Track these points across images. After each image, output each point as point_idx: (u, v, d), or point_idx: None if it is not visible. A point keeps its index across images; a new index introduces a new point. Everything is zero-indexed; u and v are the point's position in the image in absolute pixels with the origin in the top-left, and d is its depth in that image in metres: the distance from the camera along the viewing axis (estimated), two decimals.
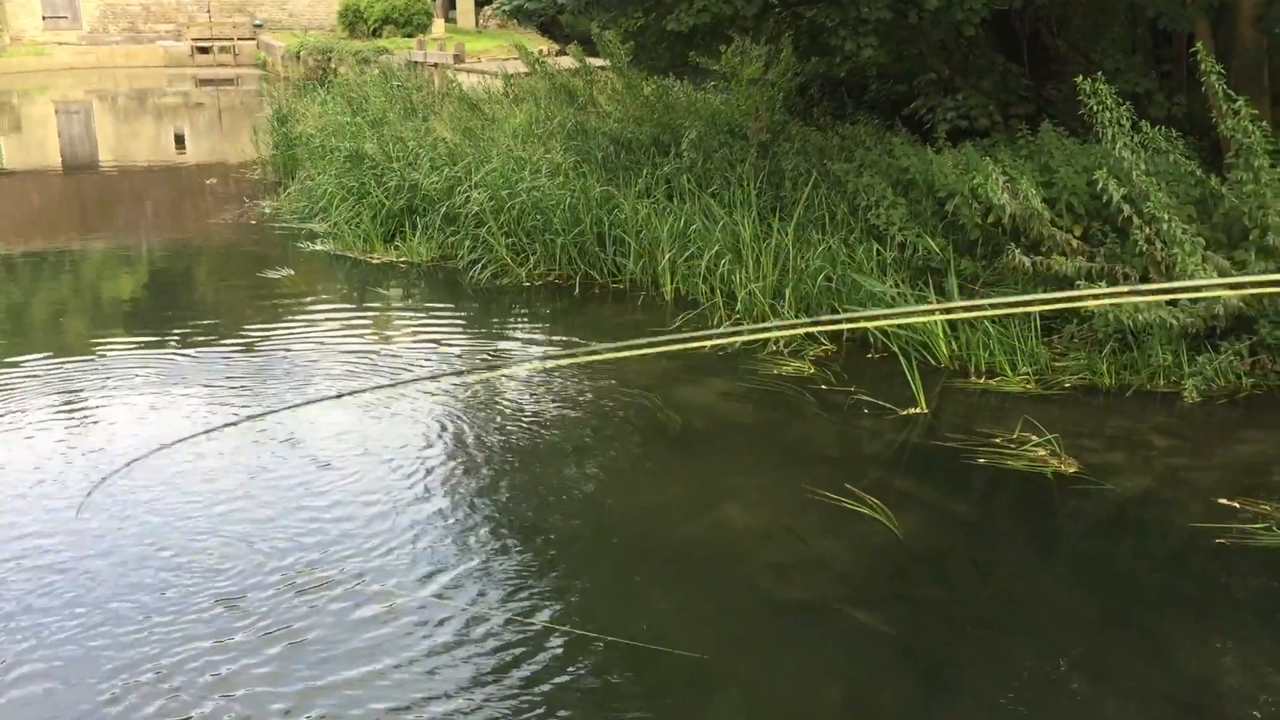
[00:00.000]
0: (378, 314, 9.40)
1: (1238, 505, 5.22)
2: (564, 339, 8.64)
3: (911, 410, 6.60)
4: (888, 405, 6.65)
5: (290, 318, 9.13)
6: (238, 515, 5.37)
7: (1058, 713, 3.83)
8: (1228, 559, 4.80)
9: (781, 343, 7.83)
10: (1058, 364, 7.09)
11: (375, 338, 8.66)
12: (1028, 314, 7.24)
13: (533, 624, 4.45)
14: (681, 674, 4.14)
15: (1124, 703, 3.88)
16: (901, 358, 7.02)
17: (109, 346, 8.30)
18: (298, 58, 31.16)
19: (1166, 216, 6.65)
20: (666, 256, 9.24)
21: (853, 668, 4.16)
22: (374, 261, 10.72)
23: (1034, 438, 5.96)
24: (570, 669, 4.16)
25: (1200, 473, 5.69)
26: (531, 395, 7.23)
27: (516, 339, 8.79)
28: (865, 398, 6.78)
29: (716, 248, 8.90)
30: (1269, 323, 6.56)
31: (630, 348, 4.66)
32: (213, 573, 4.83)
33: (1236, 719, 3.75)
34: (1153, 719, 3.80)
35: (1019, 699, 3.91)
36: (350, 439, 6.34)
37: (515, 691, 4.03)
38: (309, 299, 9.73)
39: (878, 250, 8.22)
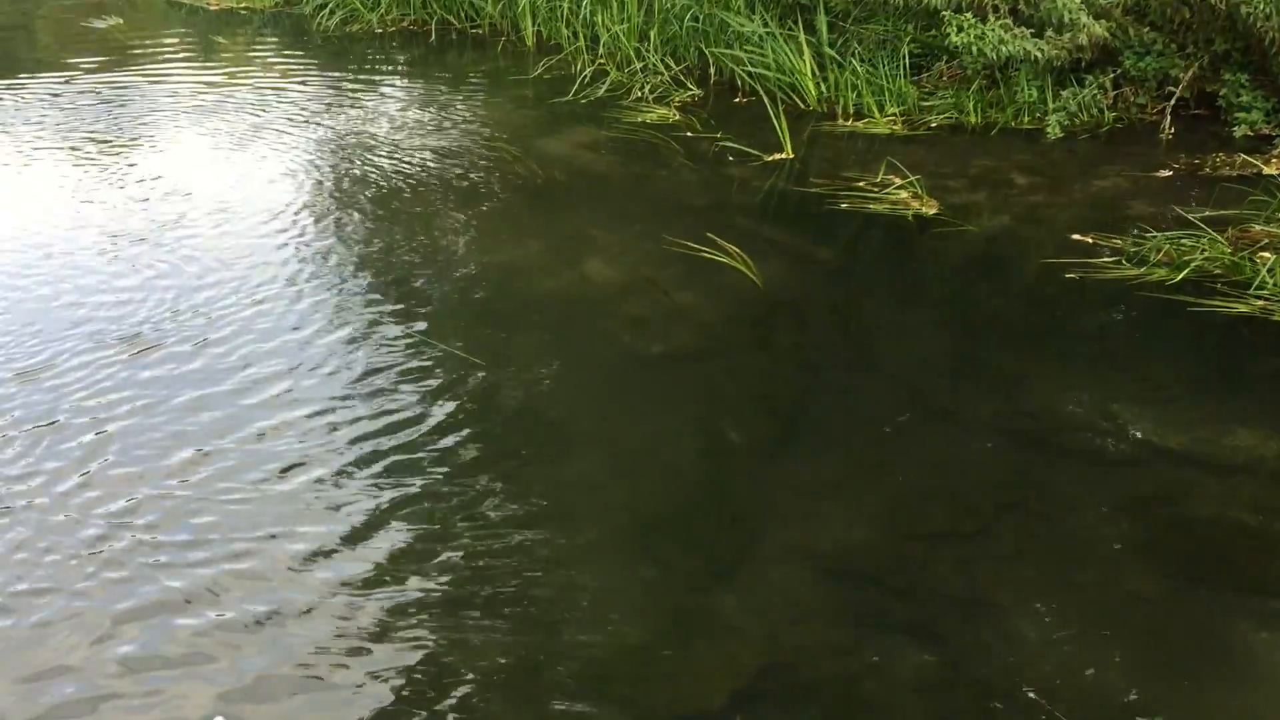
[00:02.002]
0: (221, 61, 8.76)
1: (1091, 240, 5.27)
2: (424, 89, 8.20)
3: (777, 156, 6.46)
4: (753, 152, 6.49)
5: (123, 67, 8.46)
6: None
7: (911, 451, 3.90)
8: (1079, 293, 4.87)
9: (647, 89, 7.55)
10: (925, 104, 6.98)
11: (220, 85, 8.11)
12: (896, 52, 7.06)
13: (390, 393, 4.34)
14: (542, 430, 4.10)
15: (975, 438, 3.97)
16: (768, 102, 6.82)
17: None
18: None
19: None
20: None
21: (711, 417, 4.16)
22: (211, 8, 9.93)
23: (898, 180, 5.90)
24: (422, 426, 4.08)
25: (1058, 209, 5.72)
26: (389, 150, 6.88)
27: (373, 89, 8.31)
28: (731, 144, 6.61)
29: None
30: (1133, 54, 6.49)
31: None
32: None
33: (1081, 449, 3.87)
34: (1003, 453, 3.90)
35: (874, 439, 3.96)
36: (205, 195, 6.02)
37: (361, 443, 3.95)
38: (142, 48, 9.00)
39: None
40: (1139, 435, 3.90)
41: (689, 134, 6.84)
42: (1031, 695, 2.89)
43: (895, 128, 6.76)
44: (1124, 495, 3.62)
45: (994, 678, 2.96)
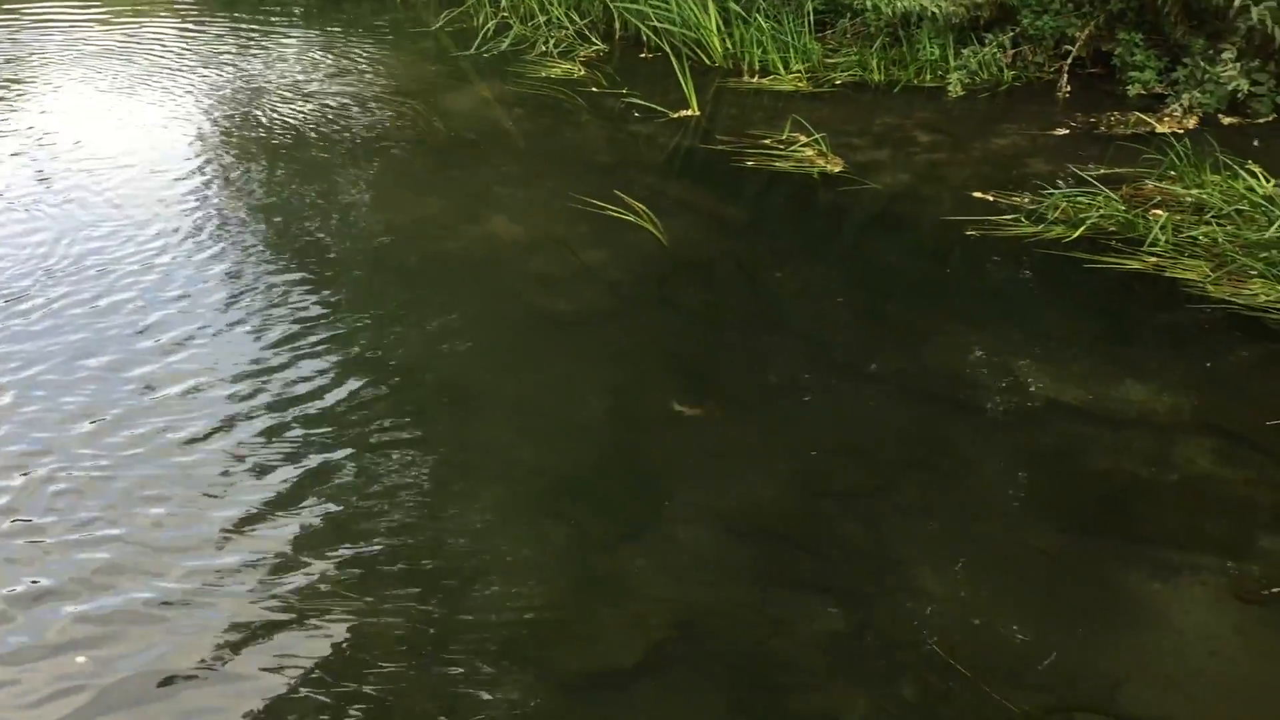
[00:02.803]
0: (112, 3, 8.41)
1: (991, 198, 5.35)
2: (322, 38, 7.97)
3: (683, 113, 6.43)
4: (660, 108, 6.44)
5: (6, 11, 8.07)
6: None
7: (818, 408, 3.93)
8: (979, 250, 4.95)
9: (551, 43, 7.43)
10: (830, 61, 7.00)
11: (111, 28, 7.78)
12: (801, 9, 7.06)
13: (289, 355, 4.23)
14: (447, 392, 4.04)
15: (880, 395, 4.02)
16: (674, 58, 6.76)
17: None
18: None
19: None
20: None
21: (618, 377, 4.14)
22: None
23: (803, 138, 5.91)
24: (323, 390, 3.99)
25: (959, 167, 5.80)
26: (287, 101, 6.68)
27: (271, 37, 8.04)
28: (637, 101, 6.55)
29: None
30: (1030, 13, 6.58)
31: None
32: None
33: (982, 404, 3.93)
34: (907, 410, 3.95)
35: (782, 397, 3.99)
36: (96, 144, 5.80)
37: (260, 408, 3.85)
38: None
39: None
40: (1037, 390, 3.98)
41: (594, 90, 6.77)
42: (936, 649, 2.94)
43: (800, 85, 6.77)
44: (1023, 449, 3.70)
45: (899, 632, 3.01)
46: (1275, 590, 3.05)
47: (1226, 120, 6.10)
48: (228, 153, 6.00)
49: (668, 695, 2.86)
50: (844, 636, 3.01)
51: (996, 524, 3.39)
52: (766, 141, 5.97)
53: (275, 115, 6.51)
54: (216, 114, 6.54)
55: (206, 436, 3.77)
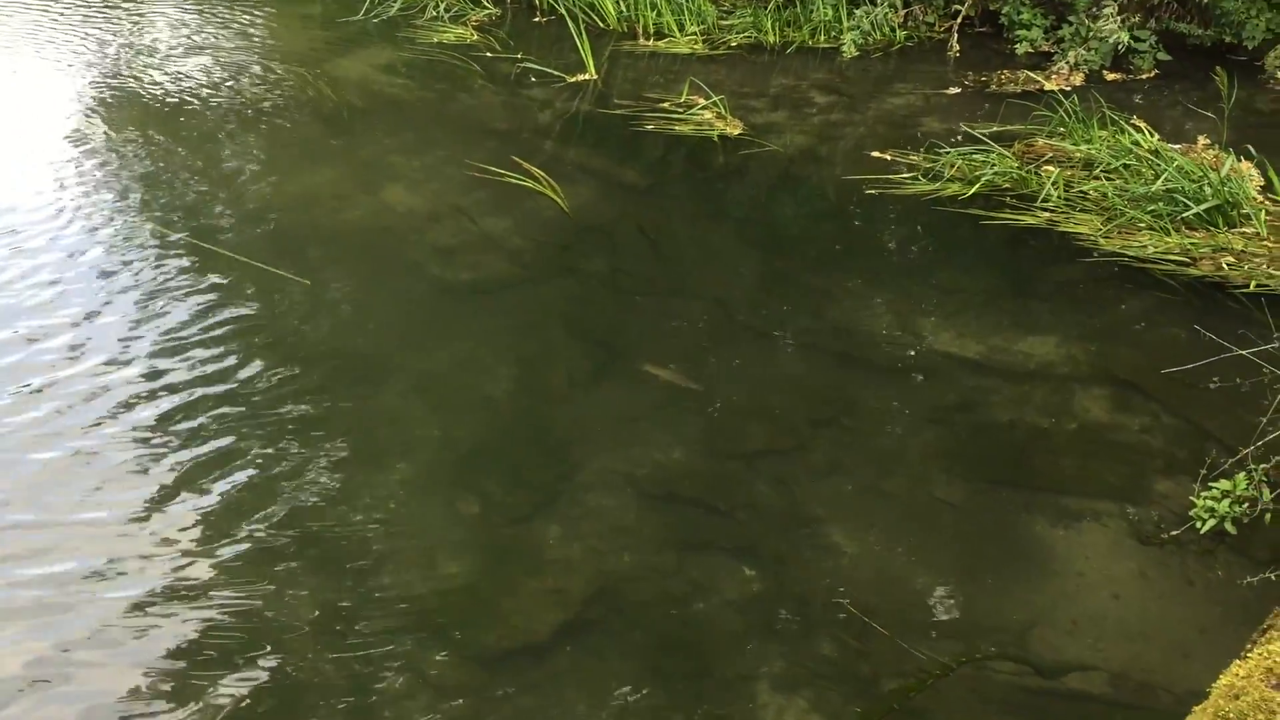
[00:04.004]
0: None
1: (889, 157, 5.40)
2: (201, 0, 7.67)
3: (580, 77, 6.35)
4: (556, 73, 6.36)
5: None
6: None
7: (726, 371, 3.93)
8: (878, 209, 4.99)
9: (442, 7, 7.28)
10: (725, 23, 6.97)
11: None
12: None
13: (182, 333, 4.08)
14: (349, 367, 3.94)
15: (787, 356, 4.04)
16: (569, 20, 6.67)
17: None
18: None
19: None
20: None
21: (523, 346, 4.09)
22: None
23: (701, 100, 5.88)
24: (220, 368, 3.87)
25: (855, 127, 5.84)
26: (166, 65, 6.42)
27: (138, 6, 7.71)
28: (533, 65, 6.45)
29: None
30: None
31: None
32: None
33: (887, 362, 3.98)
34: (814, 370, 3.98)
35: (689, 361, 3.97)
36: None
37: (155, 389, 3.72)
38: None
39: None
40: (939, 346, 4.04)
41: (488, 54, 6.65)
42: (849, 605, 2.98)
43: (696, 47, 6.73)
44: (928, 405, 3.76)
45: (813, 591, 3.04)
46: (1173, 533, 3.15)
47: (1111, 76, 6.24)
48: (104, 123, 5.75)
49: (587, 664, 2.85)
50: (761, 597, 3.03)
51: (905, 479, 3.43)
52: (665, 104, 5.93)
53: (153, 82, 6.25)
54: (89, 80, 6.26)
55: (102, 421, 3.62)
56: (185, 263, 4.52)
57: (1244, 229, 4.51)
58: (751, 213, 5.14)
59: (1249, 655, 1.82)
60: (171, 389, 3.78)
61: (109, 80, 6.29)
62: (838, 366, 3.98)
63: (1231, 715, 1.56)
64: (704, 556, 3.16)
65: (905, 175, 5.19)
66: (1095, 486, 3.38)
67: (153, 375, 3.85)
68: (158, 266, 4.48)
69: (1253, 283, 4.21)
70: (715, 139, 5.61)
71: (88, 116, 5.81)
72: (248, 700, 2.72)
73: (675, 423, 3.68)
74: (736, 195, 5.27)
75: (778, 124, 5.85)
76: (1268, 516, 3.01)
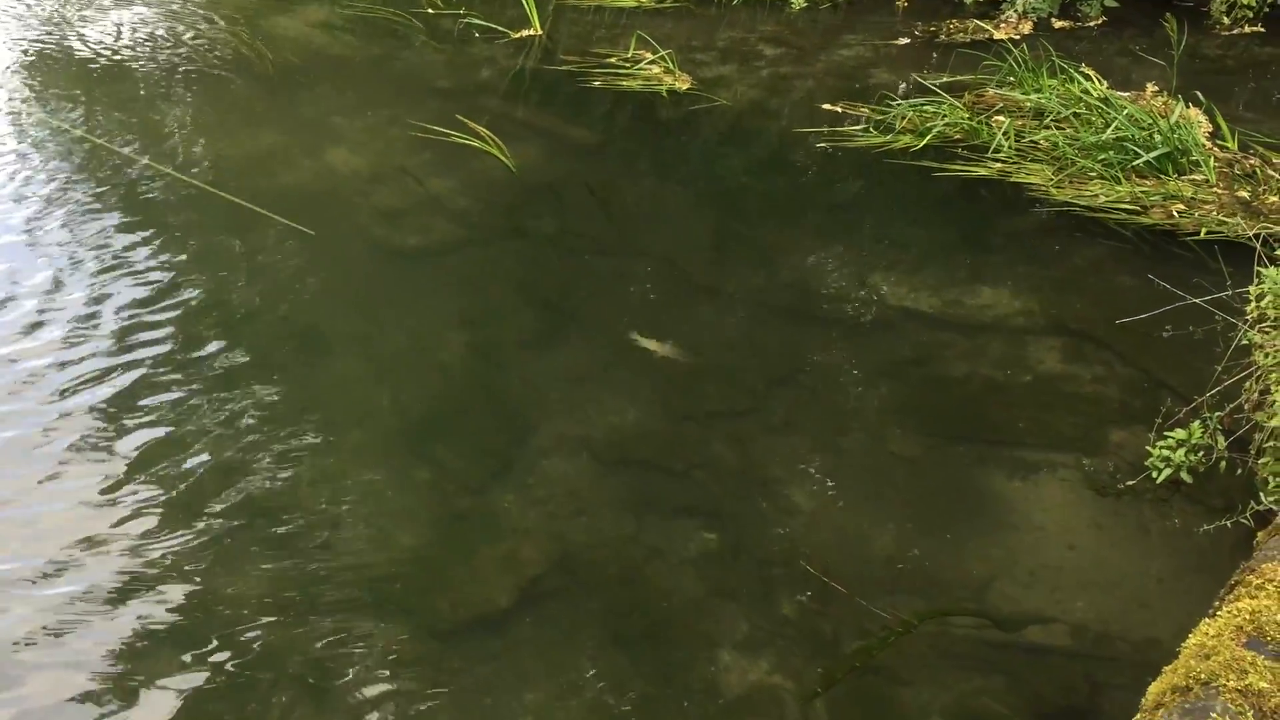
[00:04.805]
0: None
1: (839, 109, 5.35)
2: None
3: (525, 33, 6.22)
4: (500, 29, 6.22)
5: None
6: None
7: (679, 330, 3.86)
8: (830, 163, 4.95)
9: None
10: None
11: None
12: None
13: (123, 302, 3.96)
14: (296, 335, 3.85)
15: (741, 314, 3.99)
16: None
17: None
18: None
19: None
20: None
21: (474, 310, 4.01)
22: None
23: (649, 55, 5.79)
24: (163, 339, 3.76)
25: (805, 80, 5.77)
26: (94, 25, 6.21)
27: None
28: (476, 21, 6.30)
29: None
30: None
31: None
32: None
33: (841, 318, 3.95)
34: (768, 327, 3.93)
35: (641, 322, 3.91)
36: None
37: (97, 362, 3.61)
38: None
39: None
40: (893, 301, 4.02)
41: (430, 11, 6.49)
42: (808, 564, 2.96)
43: (643, 1, 6.62)
44: (883, 360, 3.73)
45: (772, 551, 3.02)
46: (1129, 483, 3.15)
47: (1059, 24, 6.22)
48: (32, 81, 5.55)
49: (546, 632, 2.81)
50: (719, 559, 3.00)
51: (861, 436, 3.41)
52: (612, 60, 5.83)
53: (82, 39, 6.05)
54: (12, 36, 6.04)
55: (48, 402, 3.50)
56: (117, 232, 4.38)
57: (1193, 176, 4.52)
58: (701, 169, 5.07)
59: (1218, 614, 1.81)
60: (110, 368, 3.65)
61: (33, 38, 6.07)
62: (792, 323, 3.94)
63: (1203, 675, 1.55)
64: (662, 520, 3.12)
65: (856, 127, 5.15)
66: (1051, 438, 3.38)
67: (86, 356, 3.70)
68: (86, 236, 4.33)
69: (1203, 230, 4.22)
70: (664, 94, 5.53)
71: (11, 75, 5.60)
72: (201, 685, 2.65)
73: (630, 384, 3.63)
74: (686, 151, 5.20)
75: (727, 77, 5.77)
76: (1223, 464, 3.02)
